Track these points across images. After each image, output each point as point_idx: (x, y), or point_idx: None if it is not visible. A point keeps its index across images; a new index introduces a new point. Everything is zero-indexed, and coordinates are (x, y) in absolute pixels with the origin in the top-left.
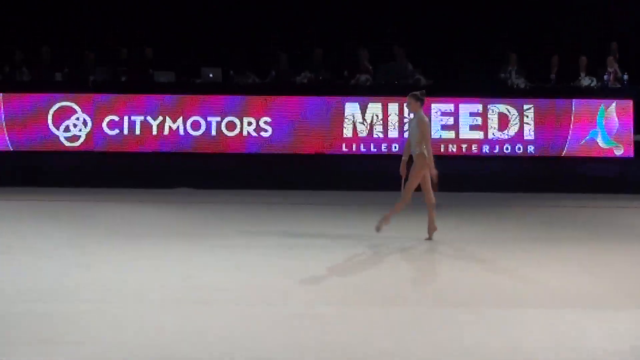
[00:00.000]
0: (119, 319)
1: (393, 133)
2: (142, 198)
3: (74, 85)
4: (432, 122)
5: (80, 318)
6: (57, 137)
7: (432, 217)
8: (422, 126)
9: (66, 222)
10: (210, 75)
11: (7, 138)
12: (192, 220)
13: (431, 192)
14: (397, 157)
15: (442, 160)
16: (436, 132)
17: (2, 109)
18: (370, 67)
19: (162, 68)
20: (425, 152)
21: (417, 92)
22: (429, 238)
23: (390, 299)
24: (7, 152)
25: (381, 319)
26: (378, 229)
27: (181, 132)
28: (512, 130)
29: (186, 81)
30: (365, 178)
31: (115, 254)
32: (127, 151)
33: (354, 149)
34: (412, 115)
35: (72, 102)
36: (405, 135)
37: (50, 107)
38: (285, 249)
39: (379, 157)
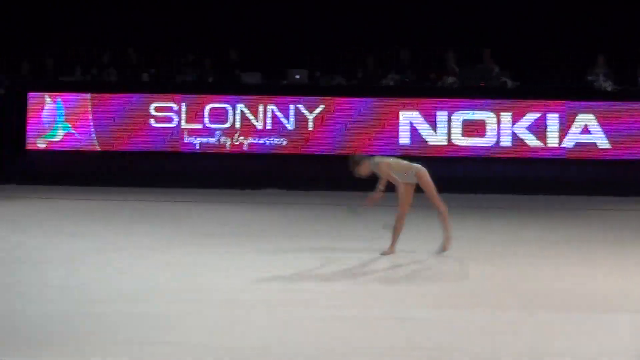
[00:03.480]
0: (213, 321)
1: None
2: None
3: (160, 85)
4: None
5: (175, 320)
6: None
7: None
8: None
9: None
10: (297, 76)
11: (95, 138)
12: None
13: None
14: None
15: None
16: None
17: (89, 109)
18: (457, 69)
19: (249, 69)
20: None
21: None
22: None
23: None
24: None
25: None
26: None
27: None
28: None
29: (272, 82)
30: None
31: (205, 254)
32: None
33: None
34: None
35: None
36: None
37: (143, 106)
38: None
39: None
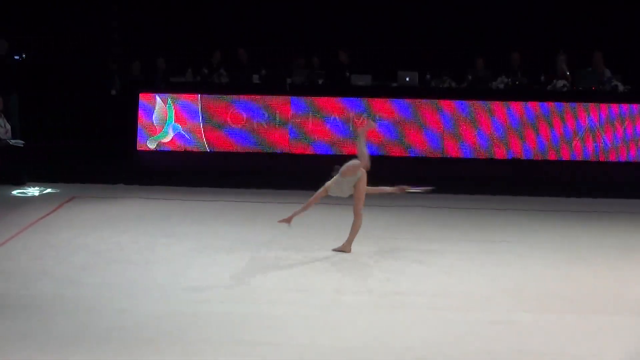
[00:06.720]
0: (314, 322)
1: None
2: None
3: (270, 87)
4: None
5: (280, 321)
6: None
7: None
8: None
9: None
10: (407, 78)
11: (205, 140)
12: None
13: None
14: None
15: None
16: None
17: (199, 110)
18: (568, 73)
19: (359, 71)
20: None
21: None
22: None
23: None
24: (204, 153)
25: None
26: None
27: None
28: None
29: (382, 84)
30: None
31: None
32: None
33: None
34: None
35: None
36: None
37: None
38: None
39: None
